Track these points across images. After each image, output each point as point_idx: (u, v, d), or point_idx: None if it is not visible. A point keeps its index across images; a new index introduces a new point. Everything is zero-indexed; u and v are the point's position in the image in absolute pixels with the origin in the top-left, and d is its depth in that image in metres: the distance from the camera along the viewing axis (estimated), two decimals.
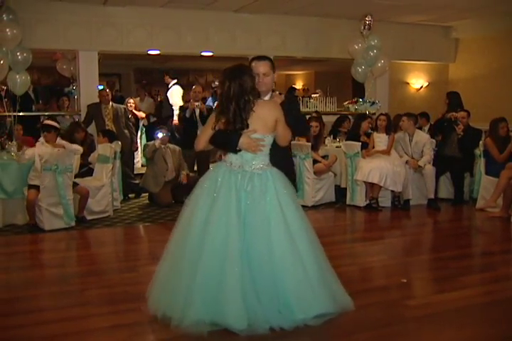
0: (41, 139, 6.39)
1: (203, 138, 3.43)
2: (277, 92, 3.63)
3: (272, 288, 3.15)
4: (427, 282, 4.54)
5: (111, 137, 7.24)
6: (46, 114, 8.45)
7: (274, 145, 3.45)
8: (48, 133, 6.36)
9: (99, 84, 8.83)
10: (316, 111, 8.90)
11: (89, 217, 6.51)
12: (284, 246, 3.20)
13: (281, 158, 3.52)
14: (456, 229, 6.38)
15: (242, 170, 3.31)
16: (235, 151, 3.34)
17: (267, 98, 3.58)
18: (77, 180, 6.54)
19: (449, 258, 4.98)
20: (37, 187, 6.03)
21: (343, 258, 5.10)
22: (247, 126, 3.30)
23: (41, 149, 6.19)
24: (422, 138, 7.40)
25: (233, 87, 3.26)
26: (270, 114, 3.34)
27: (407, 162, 7.25)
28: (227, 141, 3.35)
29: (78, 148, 6.49)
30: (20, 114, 7.41)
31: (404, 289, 4.24)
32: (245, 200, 3.24)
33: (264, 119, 3.32)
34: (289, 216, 3.26)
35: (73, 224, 6.19)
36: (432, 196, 7.30)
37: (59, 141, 6.45)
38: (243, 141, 3.30)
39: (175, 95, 9.59)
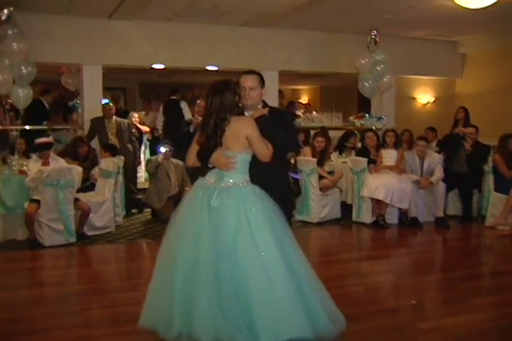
0: (35, 156, 6.36)
1: (192, 153, 3.49)
2: (260, 106, 3.54)
3: (236, 306, 3.07)
4: (437, 304, 4.39)
5: (113, 151, 7.18)
6: (43, 128, 8.34)
7: (267, 162, 3.37)
8: (47, 150, 6.33)
9: (104, 98, 8.77)
10: (322, 127, 8.81)
11: (90, 233, 6.41)
12: (248, 264, 3.10)
13: (273, 176, 3.43)
14: (466, 248, 6.25)
15: (215, 187, 3.30)
16: (207, 168, 3.39)
17: (251, 112, 3.55)
18: (79, 195, 6.46)
19: (459, 278, 4.84)
20: (38, 202, 5.96)
21: (349, 277, 4.99)
22: (221, 144, 3.31)
23: (36, 166, 6.11)
24: (434, 159, 7.32)
25: (214, 102, 3.30)
26: (241, 130, 3.29)
27: (417, 181, 7.13)
28: (201, 157, 3.41)
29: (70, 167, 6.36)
30: (26, 127, 7.33)
31: (415, 311, 4.10)
32: (212, 217, 3.21)
33: (236, 136, 3.30)
34: (257, 234, 3.14)
35: (74, 240, 6.10)
36: (441, 214, 7.18)
37: (54, 156, 6.42)
38: (214, 158, 3.34)
39: (187, 111, 9.34)
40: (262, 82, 3.54)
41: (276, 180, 3.48)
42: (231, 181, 3.30)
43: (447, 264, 5.60)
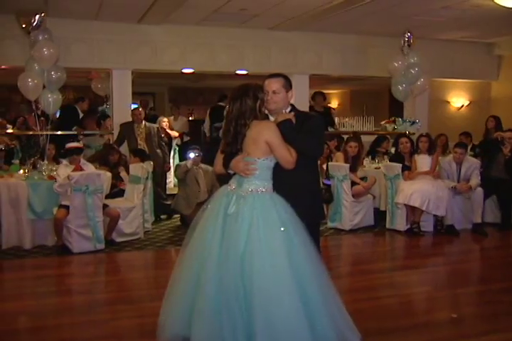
0: (65, 161, 6.32)
1: (218, 160, 3.41)
2: (286, 110, 3.38)
3: (238, 317, 2.93)
4: (478, 318, 4.13)
5: (143, 156, 7.13)
6: (79, 133, 8.37)
7: (291, 169, 3.21)
8: (76, 155, 6.29)
9: (133, 103, 8.76)
10: (355, 132, 8.64)
11: (119, 239, 6.36)
12: (254, 276, 2.93)
13: (298, 184, 3.27)
14: (506, 258, 5.99)
15: (234, 193, 3.21)
16: (229, 173, 3.32)
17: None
18: (108, 201, 6.41)
19: (502, 290, 4.62)
20: (67, 207, 5.93)
21: (383, 288, 4.82)
22: (241, 150, 3.23)
23: (65, 171, 6.07)
24: (472, 164, 7.09)
25: (234, 108, 3.22)
26: (260, 135, 3.16)
27: (454, 187, 6.93)
28: (224, 164, 3.34)
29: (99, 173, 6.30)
30: (49, 133, 7.30)
31: (453, 326, 3.90)
32: (227, 224, 3.12)
33: (255, 141, 3.18)
34: (266, 245, 2.97)
35: (102, 246, 6.05)
36: (479, 220, 6.96)
37: (83, 162, 6.40)
38: (233, 163, 3.25)
39: None
40: (287, 85, 3.39)
41: (301, 189, 3.31)
42: (250, 188, 3.18)
43: (487, 275, 5.36)
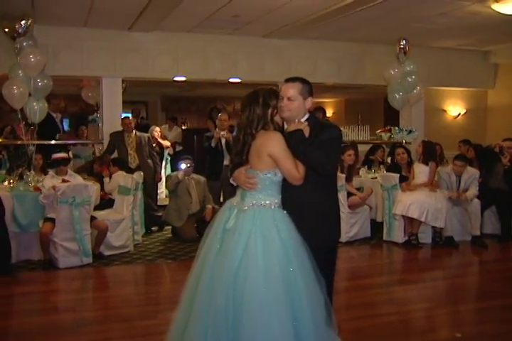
0: (51, 172, 6.16)
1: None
2: (297, 120, 3.06)
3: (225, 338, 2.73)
4: (485, 338, 3.92)
5: (121, 165, 6.96)
6: (65, 142, 8.19)
7: (300, 185, 2.94)
8: (63, 166, 6.14)
9: (125, 112, 8.59)
10: (352, 141, 8.49)
11: (107, 253, 6.18)
12: (245, 297, 2.72)
13: (307, 202, 2.99)
14: (507, 271, 5.81)
15: (236, 207, 3.00)
16: (232, 185, 3.13)
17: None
18: (96, 213, 6.24)
19: (506, 307, 4.45)
20: (53, 220, 5.73)
21: (382, 305, 4.64)
22: (247, 161, 3.00)
23: (51, 182, 5.90)
24: (471, 175, 6.94)
25: (244, 116, 3.00)
26: (263, 147, 2.92)
27: (450, 198, 6.77)
28: (230, 174, 3.13)
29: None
30: (36, 142, 7.06)
31: None
32: (224, 240, 2.93)
33: (258, 153, 2.94)
34: (262, 265, 2.75)
35: (90, 260, 5.85)
36: (478, 233, 6.82)
37: (71, 173, 6.25)
38: (236, 175, 3.04)
39: None
40: (305, 91, 3.07)
41: (309, 209, 3.01)
42: (252, 202, 2.94)
43: (489, 290, 5.15)
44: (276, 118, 3.02)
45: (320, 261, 2.87)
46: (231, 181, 3.11)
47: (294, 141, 2.94)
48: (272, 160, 2.91)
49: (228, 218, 2.96)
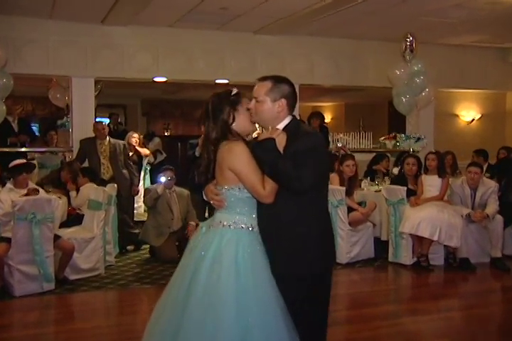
0: (9, 184, 5.89)
1: None
2: (271, 127, 2.83)
3: None
4: None
5: (92, 176, 6.75)
6: (24, 150, 7.95)
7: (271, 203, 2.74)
8: (26, 173, 5.88)
9: (101, 117, 8.39)
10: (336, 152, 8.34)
11: (73, 277, 5.98)
12: (192, 314, 2.70)
13: (282, 223, 2.76)
14: None
15: (207, 224, 2.97)
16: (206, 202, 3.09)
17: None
18: (62, 232, 6.02)
19: None
20: (8, 240, 5.46)
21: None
22: (212, 179, 2.93)
23: (9, 196, 5.65)
24: (489, 189, 6.72)
25: (206, 125, 2.90)
26: (223, 161, 2.80)
27: (468, 215, 6.57)
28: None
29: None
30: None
31: None
32: (186, 258, 2.94)
33: (219, 168, 2.84)
34: (201, 288, 2.71)
35: (52, 287, 5.59)
36: (499, 254, 6.65)
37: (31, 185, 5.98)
38: (205, 190, 2.98)
39: None
40: (274, 92, 2.82)
41: (281, 230, 2.77)
42: (219, 220, 2.86)
43: None
44: (241, 125, 2.85)
45: (299, 291, 2.72)
46: (204, 198, 3.00)
47: (259, 152, 2.72)
48: (234, 175, 2.76)
49: (197, 236, 2.97)
